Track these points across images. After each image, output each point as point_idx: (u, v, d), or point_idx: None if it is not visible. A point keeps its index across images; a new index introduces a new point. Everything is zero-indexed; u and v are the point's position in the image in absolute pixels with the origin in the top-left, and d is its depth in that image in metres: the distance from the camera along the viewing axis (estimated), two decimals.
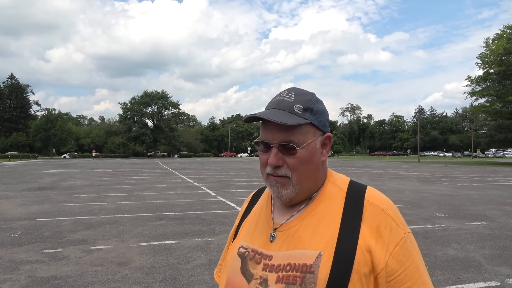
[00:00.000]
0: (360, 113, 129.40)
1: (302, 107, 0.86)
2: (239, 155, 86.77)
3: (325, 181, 0.92)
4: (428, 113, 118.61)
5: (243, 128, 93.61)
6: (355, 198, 0.87)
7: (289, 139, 0.83)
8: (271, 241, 0.87)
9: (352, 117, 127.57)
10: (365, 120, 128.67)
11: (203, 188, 14.55)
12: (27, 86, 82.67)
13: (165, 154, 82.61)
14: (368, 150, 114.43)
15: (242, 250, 0.91)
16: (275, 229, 0.89)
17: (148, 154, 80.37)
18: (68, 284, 4.19)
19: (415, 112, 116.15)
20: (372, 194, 0.88)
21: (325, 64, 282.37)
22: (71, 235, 6.52)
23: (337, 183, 0.92)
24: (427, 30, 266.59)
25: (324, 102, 0.96)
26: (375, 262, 0.79)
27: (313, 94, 0.91)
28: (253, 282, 0.84)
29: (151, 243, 5.97)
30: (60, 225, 7.40)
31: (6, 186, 15.48)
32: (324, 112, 0.90)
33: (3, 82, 78.82)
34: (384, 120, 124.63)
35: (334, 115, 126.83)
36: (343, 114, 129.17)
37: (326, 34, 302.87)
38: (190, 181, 17.94)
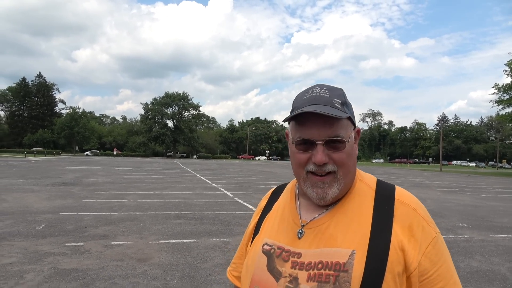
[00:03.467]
0: (381, 119, 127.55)
1: (340, 101, 0.84)
2: (257, 158, 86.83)
3: (354, 178, 0.91)
4: (452, 121, 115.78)
5: (262, 131, 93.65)
6: (385, 196, 0.86)
7: (337, 134, 0.81)
8: (299, 238, 0.85)
9: (373, 123, 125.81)
10: (386, 127, 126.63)
11: (221, 189, 14.62)
12: (54, 84, 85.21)
13: (184, 154, 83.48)
14: (389, 157, 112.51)
15: (267, 247, 0.88)
16: (303, 226, 0.87)
17: (168, 154, 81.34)
18: (89, 277, 4.28)
19: (438, 120, 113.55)
20: (402, 193, 0.87)
21: (347, 69, 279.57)
22: (93, 230, 6.67)
23: (365, 181, 0.90)
24: (453, 37, 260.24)
25: None
26: (408, 261, 0.78)
27: (342, 89, 0.90)
28: (282, 280, 0.81)
29: (170, 241, 6.03)
30: (82, 219, 7.58)
31: (31, 180, 15.97)
32: (351, 106, 0.90)
33: (31, 81, 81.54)
34: (406, 127, 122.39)
35: None
36: (363, 120, 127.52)
37: (349, 39, 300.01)
38: (209, 182, 18.06)
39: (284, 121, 0.88)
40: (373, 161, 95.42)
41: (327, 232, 0.83)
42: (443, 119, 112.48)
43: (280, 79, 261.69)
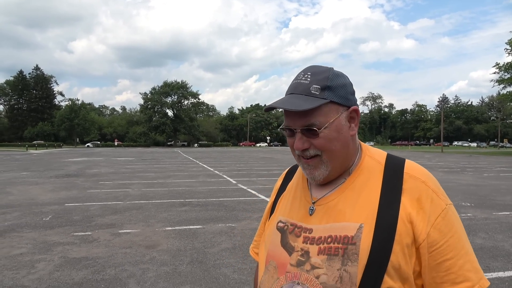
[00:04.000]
0: (381, 102, 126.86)
1: (319, 87, 0.84)
2: (258, 145, 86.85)
3: (361, 155, 0.92)
4: (453, 102, 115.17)
5: (262, 118, 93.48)
6: (394, 170, 0.87)
7: (310, 123, 0.83)
8: (310, 215, 0.89)
9: (373, 106, 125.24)
10: (386, 110, 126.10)
11: (224, 176, 14.69)
12: (52, 77, 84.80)
13: (185, 143, 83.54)
14: (389, 140, 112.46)
15: (281, 224, 0.93)
16: (313, 203, 0.90)
17: (169, 143, 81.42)
18: (100, 265, 4.34)
19: (438, 101, 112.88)
20: (411, 167, 0.88)
21: (346, 52, 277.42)
22: (100, 219, 6.73)
23: (374, 156, 0.92)
24: (453, 17, 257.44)
25: None
26: (417, 233, 0.79)
27: (330, 70, 0.88)
28: (294, 254, 0.86)
29: (176, 228, 6.10)
30: (88, 209, 7.65)
31: (35, 173, 16.05)
32: (346, 86, 0.87)
33: (28, 73, 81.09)
34: (406, 109, 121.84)
35: None
36: (363, 103, 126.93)
37: (348, 22, 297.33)
38: (211, 169, 18.13)
39: (265, 111, 0.92)
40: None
41: (336, 208, 0.86)
42: (444, 100, 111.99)
43: (279, 65, 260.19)
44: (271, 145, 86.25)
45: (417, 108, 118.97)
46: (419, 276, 0.82)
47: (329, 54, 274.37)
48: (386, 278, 0.77)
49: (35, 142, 63.92)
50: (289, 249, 0.87)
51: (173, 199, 9.00)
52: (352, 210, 0.84)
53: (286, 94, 0.89)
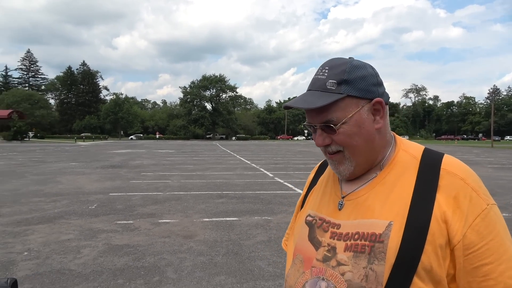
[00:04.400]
0: (425, 94, 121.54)
1: (335, 81, 0.81)
2: (295, 138, 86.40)
3: (395, 148, 0.88)
4: (505, 93, 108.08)
5: (300, 111, 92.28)
6: (430, 166, 0.81)
7: (327, 119, 0.81)
8: (339, 210, 0.87)
9: (417, 98, 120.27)
10: (431, 102, 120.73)
11: (261, 169, 14.75)
12: (97, 72, 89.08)
13: (223, 136, 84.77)
14: (434, 134, 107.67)
15: (309, 218, 0.92)
16: (343, 198, 0.88)
17: (207, 136, 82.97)
18: (140, 252, 4.52)
19: (488, 93, 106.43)
20: (449, 162, 0.82)
21: (388, 43, 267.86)
22: (141, 209, 7.00)
23: (409, 150, 0.87)
24: (506, 1, 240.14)
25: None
26: (451, 234, 0.74)
27: (348, 62, 0.84)
28: (321, 249, 0.84)
29: (213, 219, 6.21)
30: (131, 199, 7.97)
31: (82, 164, 16.95)
32: (366, 77, 0.83)
33: (76, 69, 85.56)
34: (453, 101, 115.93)
35: (396, 96, 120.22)
36: (406, 95, 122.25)
37: (390, 11, 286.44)
38: (248, 162, 18.27)
39: (284, 108, 0.90)
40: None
41: (365, 203, 0.83)
42: (495, 91, 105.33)
43: (317, 57, 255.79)
44: (309, 139, 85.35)
45: (464, 101, 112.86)
46: (453, 280, 0.76)
47: (370, 45, 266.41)
48: (415, 280, 0.73)
49: (82, 134, 67.53)
50: (316, 244, 0.86)
51: (211, 191, 9.17)
52: (381, 206, 0.80)
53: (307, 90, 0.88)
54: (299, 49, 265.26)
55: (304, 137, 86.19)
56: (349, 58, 0.87)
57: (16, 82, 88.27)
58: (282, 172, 13.49)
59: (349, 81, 0.82)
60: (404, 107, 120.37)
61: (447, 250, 0.74)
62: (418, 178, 0.80)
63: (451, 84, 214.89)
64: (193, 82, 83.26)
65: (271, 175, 12.73)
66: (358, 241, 0.79)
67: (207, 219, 6.22)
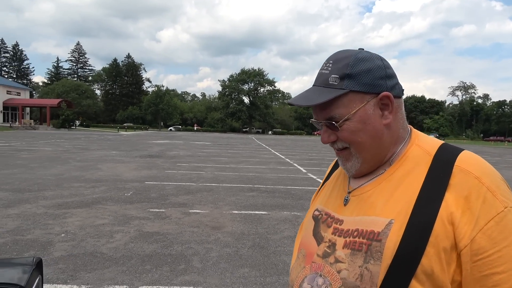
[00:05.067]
0: (474, 92, 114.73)
1: (337, 76, 0.77)
2: None
3: (408, 143, 0.83)
4: None
5: None
6: (443, 162, 0.75)
7: (329, 116, 0.79)
8: (345, 205, 0.84)
9: (464, 97, 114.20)
10: (479, 101, 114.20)
11: (295, 164, 14.64)
12: (141, 64, 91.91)
13: (260, 130, 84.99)
14: (482, 135, 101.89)
15: (316, 213, 0.91)
16: (349, 193, 0.85)
17: (244, 130, 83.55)
18: (169, 240, 4.63)
19: None
20: (465, 159, 0.74)
21: (436, 37, 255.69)
22: (173, 198, 7.17)
23: (423, 145, 0.81)
24: None
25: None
26: (458, 237, 0.68)
27: (353, 55, 0.79)
28: (322, 244, 0.82)
29: (243, 212, 6.24)
30: (165, 188, 8.18)
31: (123, 152, 17.64)
32: (372, 70, 0.78)
33: (121, 61, 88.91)
34: (505, 101, 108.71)
35: (442, 94, 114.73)
36: (453, 93, 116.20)
37: (440, 3, 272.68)
38: (282, 157, 18.20)
39: (289, 104, 0.88)
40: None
41: (369, 200, 0.80)
42: None
43: None
44: None
45: None
46: (459, 287, 0.70)
47: (416, 40, 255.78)
48: (414, 283, 0.68)
49: (125, 124, 70.20)
50: (319, 239, 0.84)
51: (243, 184, 9.22)
52: (384, 203, 0.76)
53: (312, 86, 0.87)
54: (341, 44, 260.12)
55: None
56: (359, 49, 0.82)
57: (66, 73, 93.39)
58: (315, 168, 13.32)
59: (353, 76, 0.77)
60: (450, 105, 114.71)
61: (453, 254, 0.68)
62: (428, 175, 0.74)
63: (504, 82, 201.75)
64: (231, 76, 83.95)
65: (304, 170, 12.60)
66: (357, 239, 0.76)
67: (236, 212, 6.26)
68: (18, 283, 1.38)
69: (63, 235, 4.72)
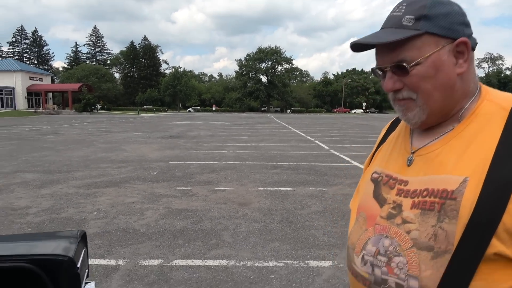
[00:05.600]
0: (502, 64, 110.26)
1: (412, 17, 0.72)
2: (353, 111, 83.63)
3: (479, 98, 0.77)
4: None
5: (358, 83, 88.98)
6: None
7: (399, 58, 0.73)
8: (408, 166, 0.80)
9: (491, 68, 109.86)
10: (508, 73, 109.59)
11: (316, 141, 14.53)
12: (157, 46, 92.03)
13: (278, 109, 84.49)
14: None
15: (375, 175, 0.88)
16: (413, 153, 0.81)
17: (262, 109, 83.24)
18: (198, 216, 4.69)
19: None
20: None
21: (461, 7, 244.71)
22: (198, 177, 7.24)
23: (496, 101, 0.75)
24: None
25: None
26: None
27: None
28: (385, 206, 0.79)
29: (268, 189, 6.25)
30: (189, 167, 8.28)
31: (145, 134, 17.90)
32: (450, 14, 0.73)
33: (138, 44, 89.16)
34: None
35: None
36: (479, 65, 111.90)
37: None
38: (303, 135, 18.08)
39: (351, 48, 0.81)
40: None
41: (437, 159, 0.75)
42: None
43: (379, 26, 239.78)
44: (367, 112, 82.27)
45: None
46: None
47: None
48: (494, 242, 0.64)
49: (144, 106, 71.03)
50: (381, 201, 0.81)
51: (265, 161, 9.22)
52: (456, 161, 0.71)
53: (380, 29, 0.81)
54: (360, 18, 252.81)
55: (362, 110, 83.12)
56: None
57: (84, 57, 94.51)
58: (338, 145, 13.18)
59: (430, 17, 0.72)
60: (477, 77, 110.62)
61: None
62: (505, 130, 0.69)
63: None
64: (248, 55, 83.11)
65: (326, 147, 12.49)
66: (427, 198, 0.72)
67: (262, 188, 6.28)
68: (67, 254, 1.42)
69: (95, 213, 4.86)
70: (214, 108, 77.17)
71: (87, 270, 1.63)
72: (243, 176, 7.36)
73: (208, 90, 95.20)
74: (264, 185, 6.55)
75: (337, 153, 10.86)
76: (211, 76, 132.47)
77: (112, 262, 3.38)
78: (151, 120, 33.60)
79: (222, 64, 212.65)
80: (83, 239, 1.64)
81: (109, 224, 4.39)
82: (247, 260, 3.42)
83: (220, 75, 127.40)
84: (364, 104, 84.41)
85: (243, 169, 8.14)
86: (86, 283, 1.51)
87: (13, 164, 8.55)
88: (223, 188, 6.28)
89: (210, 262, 3.36)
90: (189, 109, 78.87)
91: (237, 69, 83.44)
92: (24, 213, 4.82)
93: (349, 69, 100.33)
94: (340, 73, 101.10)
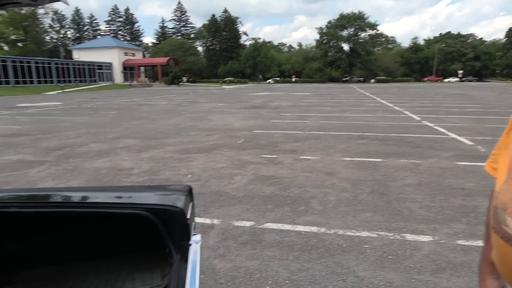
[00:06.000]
0: None
1: None
2: (446, 80, 76.10)
3: None
4: None
5: (454, 48, 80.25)
6: None
7: None
8: None
9: None
10: None
11: (405, 112, 13.58)
12: (237, 18, 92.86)
13: (361, 79, 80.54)
14: None
15: None
16: None
17: (344, 79, 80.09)
18: (285, 183, 4.72)
19: None
20: None
21: None
22: (283, 145, 7.27)
23: None
24: None
25: None
26: None
27: None
28: None
29: (355, 159, 6.03)
30: (273, 136, 8.35)
31: (228, 104, 18.46)
32: None
33: (219, 16, 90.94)
34: None
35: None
36: None
37: None
38: (390, 105, 17.02)
39: None
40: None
41: None
42: None
43: None
44: (464, 81, 74.15)
45: None
46: None
47: None
48: None
49: (226, 78, 73.11)
50: None
51: (351, 132, 8.89)
52: None
53: None
54: None
55: (457, 79, 75.19)
56: None
57: (170, 32, 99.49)
58: (431, 116, 12.15)
59: None
60: None
61: None
62: None
63: None
64: (329, 22, 79.87)
65: (417, 118, 11.60)
66: None
67: (349, 158, 6.08)
68: (178, 206, 1.50)
69: (189, 176, 5.17)
70: (293, 79, 76.47)
71: (193, 223, 1.72)
72: (328, 146, 7.20)
73: (288, 61, 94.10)
74: (351, 155, 6.33)
75: (431, 124, 10.02)
76: (290, 46, 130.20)
77: (208, 221, 3.57)
78: (232, 92, 34.51)
79: (302, 33, 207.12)
80: (190, 193, 1.71)
81: (203, 187, 4.64)
82: (338, 228, 3.36)
83: (300, 45, 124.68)
84: (460, 71, 76.07)
85: (328, 139, 7.96)
86: (193, 235, 1.59)
87: (116, 131, 9.47)
88: (308, 157, 6.22)
89: (300, 228, 3.38)
90: (269, 80, 79.15)
91: (317, 38, 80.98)
92: (129, 173, 5.32)
93: (443, 33, 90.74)
94: (432, 38, 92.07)
